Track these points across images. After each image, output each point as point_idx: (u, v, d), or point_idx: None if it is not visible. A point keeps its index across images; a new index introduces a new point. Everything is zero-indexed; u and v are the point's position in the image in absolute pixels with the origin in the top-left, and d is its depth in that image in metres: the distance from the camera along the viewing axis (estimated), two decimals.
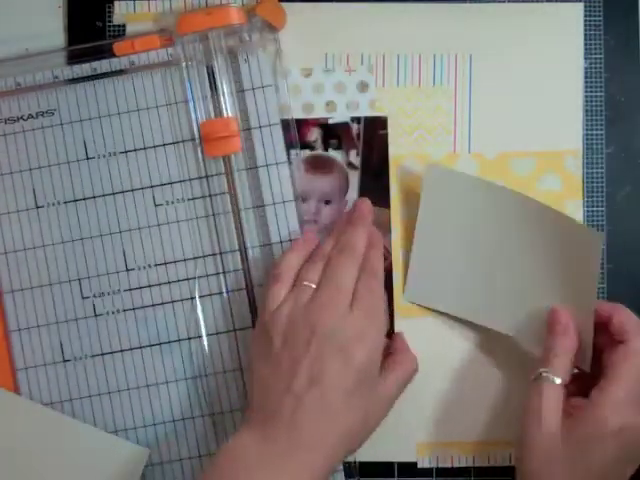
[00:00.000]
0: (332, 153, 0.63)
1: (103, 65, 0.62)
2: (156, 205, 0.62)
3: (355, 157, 0.63)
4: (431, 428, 0.63)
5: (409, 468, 0.63)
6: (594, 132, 0.63)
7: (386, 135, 0.63)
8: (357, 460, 0.63)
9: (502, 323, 0.61)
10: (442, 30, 0.63)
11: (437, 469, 0.63)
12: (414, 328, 0.63)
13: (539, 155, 0.63)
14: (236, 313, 0.62)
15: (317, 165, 0.63)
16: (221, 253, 0.62)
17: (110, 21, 0.64)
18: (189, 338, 0.62)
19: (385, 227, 0.63)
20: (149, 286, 0.62)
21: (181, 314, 0.62)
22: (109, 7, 0.64)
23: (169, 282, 0.62)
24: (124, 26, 0.64)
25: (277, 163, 0.62)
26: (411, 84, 0.63)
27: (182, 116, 0.62)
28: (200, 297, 0.62)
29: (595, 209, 0.63)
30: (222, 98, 0.61)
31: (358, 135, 0.63)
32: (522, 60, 0.63)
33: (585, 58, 0.63)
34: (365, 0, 0.63)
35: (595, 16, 0.63)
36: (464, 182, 0.60)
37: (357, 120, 0.63)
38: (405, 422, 0.63)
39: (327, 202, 0.63)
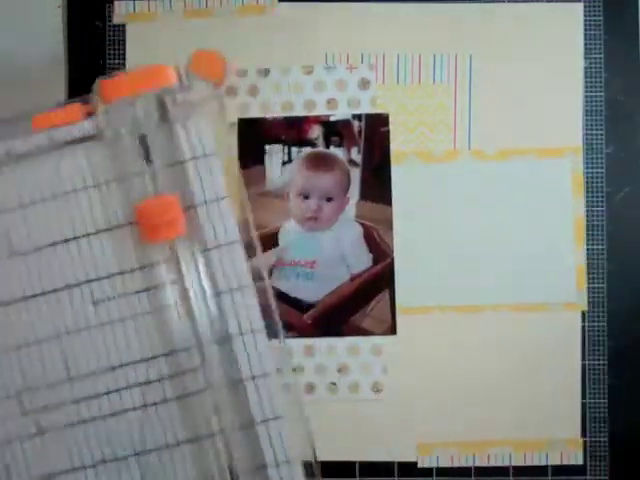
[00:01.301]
0: (333, 150, 0.63)
1: (18, 145, 0.53)
2: (95, 302, 0.54)
3: (356, 154, 0.63)
4: (431, 428, 0.63)
5: (409, 468, 0.63)
6: (594, 132, 0.63)
7: (387, 132, 0.63)
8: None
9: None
10: (443, 30, 0.63)
11: (437, 469, 0.63)
12: (416, 325, 0.63)
13: (539, 152, 0.63)
14: (193, 419, 0.54)
15: (318, 162, 0.63)
16: (173, 352, 0.54)
17: (110, 21, 0.64)
18: (144, 451, 0.54)
19: (387, 224, 0.63)
20: (96, 396, 0.54)
21: (134, 424, 0.54)
22: (109, 7, 0.64)
23: (118, 390, 0.54)
24: (124, 26, 0.64)
25: (228, 243, 0.53)
26: (411, 82, 0.63)
27: (115, 198, 0.54)
28: (152, 405, 0.54)
29: (595, 209, 0.63)
30: (159, 173, 0.53)
31: (359, 132, 0.63)
32: (522, 60, 0.63)
33: (585, 58, 0.63)
34: (365, 0, 0.63)
35: (595, 16, 0.63)
36: None
37: (358, 117, 0.63)
38: (405, 422, 0.63)
39: (329, 199, 0.63)
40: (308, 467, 0.59)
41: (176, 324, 0.54)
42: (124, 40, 0.64)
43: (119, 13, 0.64)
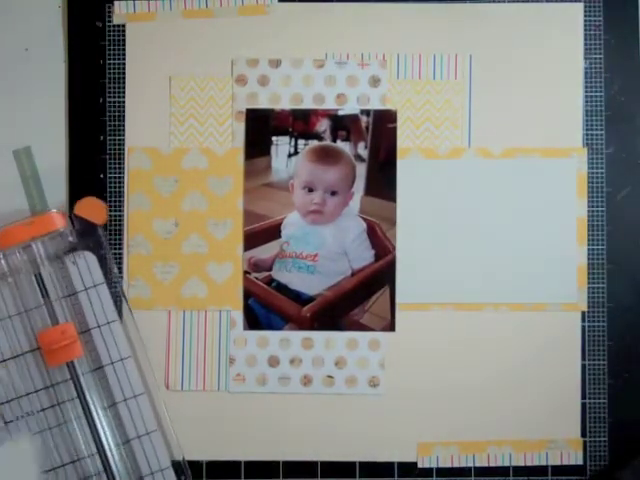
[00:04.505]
0: (340, 144, 0.63)
1: None
2: (6, 423, 0.61)
3: (363, 149, 0.63)
4: (431, 428, 0.63)
5: (409, 468, 0.63)
6: (594, 132, 0.63)
7: (395, 128, 0.63)
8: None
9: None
10: (445, 30, 0.64)
11: (437, 469, 0.63)
12: (415, 322, 0.63)
13: (544, 152, 0.63)
14: None
15: (325, 155, 0.63)
16: (79, 459, 0.61)
17: (110, 21, 0.64)
18: None
19: (391, 221, 0.63)
20: None
21: None
22: (109, 7, 0.64)
23: None
24: (124, 26, 0.64)
25: (122, 359, 0.61)
26: (419, 78, 0.63)
27: (18, 329, 0.61)
28: None
29: (595, 209, 0.63)
30: (55, 305, 0.61)
31: (367, 127, 0.63)
32: (522, 60, 0.63)
33: (585, 58, 0.64)
34: (365, 0, 0.63)
35: (595, 16, 0.63)
36: None
37: (367, 113, 0.63)
38: (405, 422, 0.63)
39: (333, 193, 0.63)
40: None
41: (79, 435, 0.61)
42: (124, 40, 0.64)
43: (119, 13, 0.64)
